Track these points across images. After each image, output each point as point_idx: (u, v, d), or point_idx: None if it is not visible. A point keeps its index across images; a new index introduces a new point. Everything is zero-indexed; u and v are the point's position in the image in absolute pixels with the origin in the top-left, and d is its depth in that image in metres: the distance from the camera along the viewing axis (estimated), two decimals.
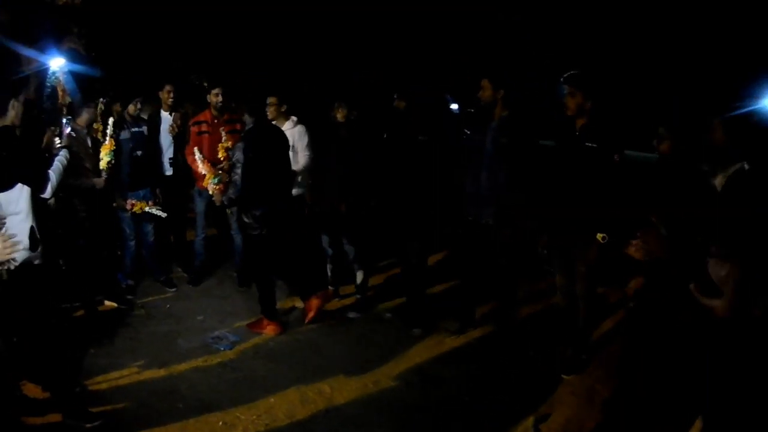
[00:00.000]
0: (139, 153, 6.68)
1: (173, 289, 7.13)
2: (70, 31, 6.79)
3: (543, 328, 6.20)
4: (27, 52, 5.52)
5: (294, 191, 6.69)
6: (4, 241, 3.16)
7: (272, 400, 4.85)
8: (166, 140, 7.19)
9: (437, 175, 6.06)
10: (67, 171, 5.03)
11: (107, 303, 6.48)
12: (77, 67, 5.88)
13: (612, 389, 5.10)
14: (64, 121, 5.16)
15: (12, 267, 3.40)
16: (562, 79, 5.09)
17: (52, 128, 5.22)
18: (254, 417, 4.60)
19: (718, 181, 4.24)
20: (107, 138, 5.99)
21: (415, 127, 6.11)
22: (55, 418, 4.31)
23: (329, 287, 7.00)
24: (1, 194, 4.02)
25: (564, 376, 5.26)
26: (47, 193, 4.51)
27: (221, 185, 6.19)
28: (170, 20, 11.46)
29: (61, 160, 4.78)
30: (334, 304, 6.89)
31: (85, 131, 5.92)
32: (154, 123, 7.15)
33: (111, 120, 6.03)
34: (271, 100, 6.60)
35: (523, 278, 6.40)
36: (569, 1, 16.90)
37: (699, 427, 4.18)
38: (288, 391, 4.98)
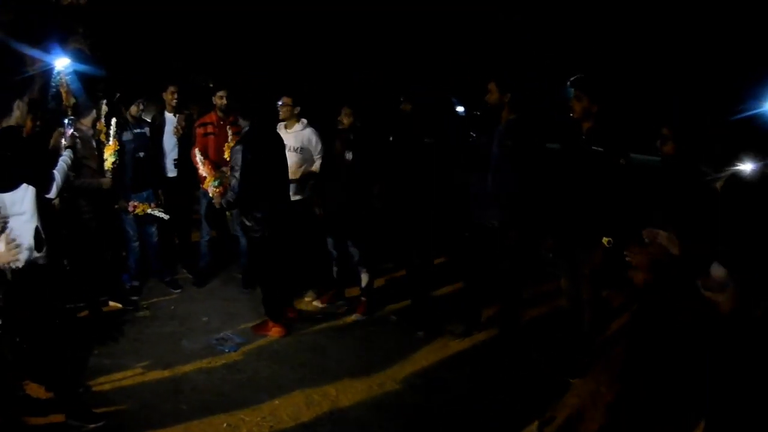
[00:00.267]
0: (141, 154, 6.66)
1: (178, 291, 7.11)
2: (75, 31, 6.78)
3: (548, 331, 6.16)
4: (32, 52, 5.53)
5: (300, 194, 6.72)
6: (8, 243, 3.14)
7: (277, 402, 4.83)
8: (170, 141, 7.16)
9: (442, 178, 6.06)
10: (74, 172, 5.05)
11: (112, 304, 6.48)
12: (82, 67, 5.88)
13: (616, 392, 5.07)
14: (66, 121, 5.14)
15: (18, 266, 3.39)
16: (568, 83, 5.08)
17: (60, 129, 5.23)
18: (258, 419, 4.58)
19: (719, 184, 4.26)
20: (111, 139, 5.98)
21: (421, 129, 6.10)
22: (57, 418, 4.31)
23: (334, 289, 7.00)
24: (5, 194, 4.03)
25: (568, 379, 5.23)
26: (52, 194, 4.51)
27: (221, 188, 6.17)
28: (175, 21, 11.45)
29: (65, 160, 4.78)
30: (340, 306, 6.89)
31: (91, 132, 5.90)
32: (157, 124, 7.14)
33: (114, 121, 6.02)
34: (285, 100, 6.61)
35: (528, 281, 6.36)
36: (569, 2, 16.87)
37: (702, 429, 4.17)
38: (293, 394, 4.96)
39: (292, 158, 6.59)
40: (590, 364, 5.42)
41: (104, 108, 6.05)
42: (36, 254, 4.10)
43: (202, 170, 6.41)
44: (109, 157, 5.97)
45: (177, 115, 7.18)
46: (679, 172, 5.82)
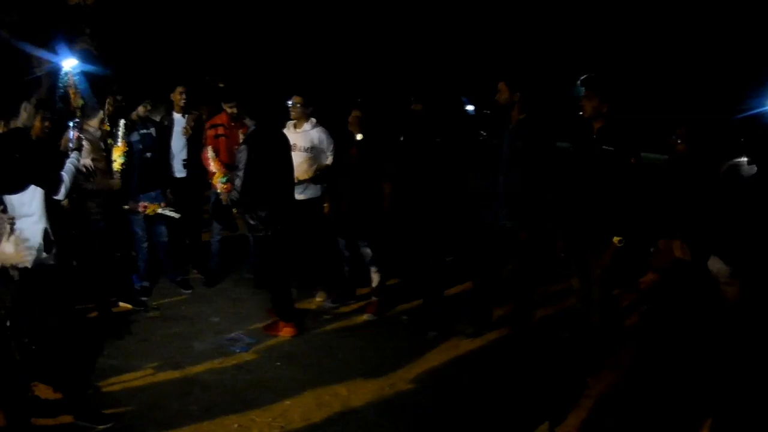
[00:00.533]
0: (148, 155, 6.64)
1: (189, 291, 7.10)
2: (82, 31, 6.78)
3: (559, 331, 6.12)
4: (39, 53, 5.52)
5: (311, 193, 6.71)
6: (17, 245, 3.13)
7: (288, 402, 4.79)
8: (179, 142, 7.14)
9: (453, 178, 6.05)
10: (84, 175, 5.03)
11: (122, 304, 6.45)
12: (90, 68, 5.86)
13: (627, 392, 5.06)
14: (71, 124, 5.10)
15: (26, 266, 3.38)
16: (578, 82, 5.07)
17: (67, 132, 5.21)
18: (269, 420, 4.55)
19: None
20: (120, 140, 5.96)
21: (432, 129, 6.07)
22: (66, 419, 4.28)
23: (346, 289, 6.99)
24: (13, 196, 4.02)
25: (579, 379, 5.18)
26: (60, 195, 4.49)
27: (228, 184, 6.16)
28: (183, 20, 11.46)
29: (73, 161, 4.76)
30: (351, 306, 6.87)
31: (99, 133, 5.87)
32: (165, 125, 7.12)
33: (122, 122, 6.00)
34: (296, 100, 6.59)
35: (540, 281, 6.32)
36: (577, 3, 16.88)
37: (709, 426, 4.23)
38: (304, 394, 4.93)
39: (302, 158, 6.59)
40: (601, 363, 5.38)
41: (109, 108, 6.03)
42: (44, 255, 4.08)
43: (213, 166, 6.41)
44: (118, 159, 5.95)
45: (186, 116, 7.16)
46: (690, 169, 5.84)
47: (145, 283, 6.92)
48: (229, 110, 6.96)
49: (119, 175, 5.94)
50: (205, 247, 7.62)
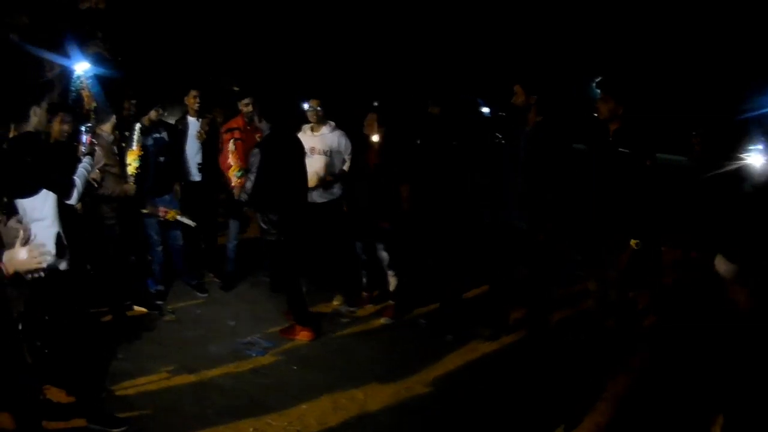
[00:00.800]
0: (162, 159, 6.61)
1: (204, 295, 7.07)
2: (95, 35, 6.78)
3: (575, 333, 6.04)
4: (51, 56, 5.51)
5: (329, 196, 6.68)
6: (31, 251, 3.10)
7: (304, 406, 4.76)
8: (194, 146, 7.11)
9: (470, 180, 6.04)
10: (96, 180, 5.02)
11: (136, 308, 6.43)
12: (102, 72, 5.85)
13: (642, 394, 5.05)
14: (83, 129, 5.08)
15: (41, 275, 3.36)
16: (594, 84, 5.05)
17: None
18: (285, 424, 4.52)
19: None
20: (134, 144, 5.93)
21: (449, 132, 6.05)
22: (79, 422, 4.27)
23: (363, 293, 6.97)
24: (25, 200, 4.00)
25: (595, 382, 5.13)
26: (73, 200, 4.47)
27: (242, 179, 6.13)
28: (195, 24, 11.48)
29: (85, 166, 4.74)
30: (368, 309, 6.85)
31: (111, 137, 5.84)
32: (179, 128, 7.10)
33: (137, 126, 5.97)
34: (313, 103, 6.59)
35: (556, 283, 6.31)
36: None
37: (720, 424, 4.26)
38: (320, 398, 4.90)
39: (320, 161, 6.62)
40: (617, 366, 5.36)
41: (126, 112, 6.02)
42: (57, 260, 4.06)
43: (230, 159, 6.45)
44: (132, 162, 5.92)
45: (200, 120, 7.13)
46: (703, 169, 5.82)
47: (161, 287, 6.88)
48: (244, 109, 6.93)
49: (133, 179, 5.90)
50: (221, 251, 7.60)
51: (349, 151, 6.79)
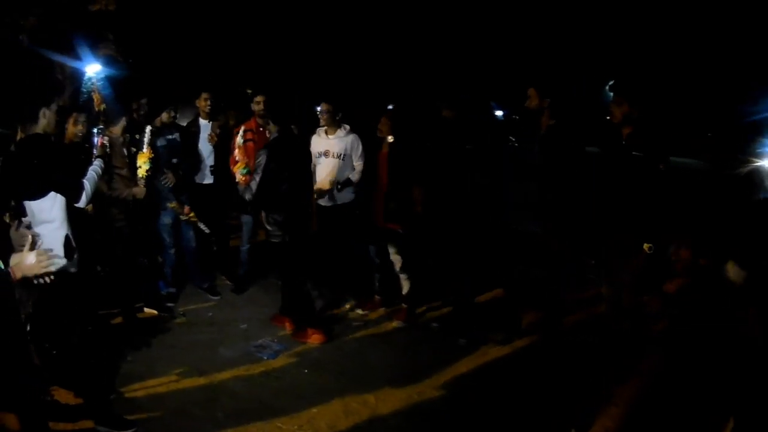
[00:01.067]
0: (174, 161, 6.60)
1: (216, 297, 7.05)
2: (105, 37, 6.78)
3: (588, 337, 5.98)
4: (61, 59, 5.50)
5: (343, 198, 6.68)
6: (39, 255, 3.08)
7: (315, 410, 4.73)
8: (206, 148, 7.11)
9: (483, 184, 6.01)
10: (106, 182, 5.01)
11: (147, 310, 6.42)
12: (113, 73, 5.84)
13: (653, 399, 5.01)
14: (95, 131, 5.08)
15: (47, 280, 3.33)
16: (608, 87, 5.03)
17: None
18: (296, 427, 4.49)
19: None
20: (145, 146, 5.91)
21: (463, 136, 6.03)
22: (86, 424, 4.25)
23: (376, 296, 6.93)
24: (33, 202, 3.99)
25: (606, 386, 5.09)
26: (82, 203, 4.45)
27: (248, 176, 6.11)
28: (207, 26, 11.49)
29: (95, 169, 4.72)
30: (380, 313, 6.81)
31: (122, 140, 5.82)
32: (191, 131, 7.08)
33: (149, 128, 5.95)
34: (325, 107, 6.55)
35: (570, 287, 6.27)
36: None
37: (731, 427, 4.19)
38: (331, 402, 4.87)
39: (334, 165, 6.61)
40: (629, 371, 5.32)
41: (137, 114, 6.01)
42: (66, 262, 4.04)
43: (237, 154, 6.42)
44: (143, 165, 5.89)
45: (211, 122, 7.11)
46: (716, 173, 5.77)
47: (172, 290, 6.87)
48: (255, 107, 6.92)
49: (144, 181, 5.88)
50: (233, 254, 7.59)
51: (360, 153, 6.75)
